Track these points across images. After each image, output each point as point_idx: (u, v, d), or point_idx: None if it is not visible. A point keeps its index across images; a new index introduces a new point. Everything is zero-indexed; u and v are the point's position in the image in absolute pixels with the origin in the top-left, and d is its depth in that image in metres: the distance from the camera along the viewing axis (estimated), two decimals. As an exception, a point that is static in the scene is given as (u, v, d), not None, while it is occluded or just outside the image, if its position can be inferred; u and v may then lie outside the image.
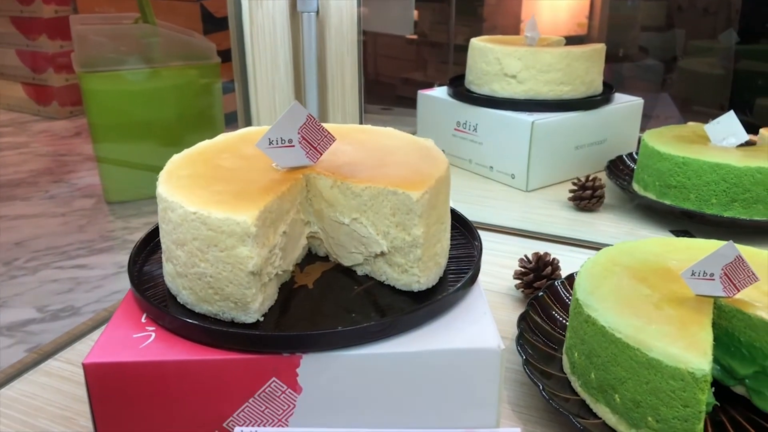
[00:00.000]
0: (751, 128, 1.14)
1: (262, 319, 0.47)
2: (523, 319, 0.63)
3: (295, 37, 0.92)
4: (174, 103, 1.16)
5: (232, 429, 0.46)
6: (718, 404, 0.55)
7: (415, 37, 2.07)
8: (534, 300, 0.66)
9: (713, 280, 0.55)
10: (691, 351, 0.49)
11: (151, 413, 0.46)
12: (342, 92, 0.95)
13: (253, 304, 0.46)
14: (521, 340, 0.61)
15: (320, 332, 0.45)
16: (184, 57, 1.19)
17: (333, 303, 0.50)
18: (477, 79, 1.16)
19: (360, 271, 0.54)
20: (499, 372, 0.47)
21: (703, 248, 0.62)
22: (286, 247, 0.50)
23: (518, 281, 0.75)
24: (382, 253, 0.51)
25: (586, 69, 1.11)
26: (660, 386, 0.49)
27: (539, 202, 1.05)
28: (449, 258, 0.56)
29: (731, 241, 0.54)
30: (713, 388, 0.56)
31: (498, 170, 1.12)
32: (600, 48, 1.14)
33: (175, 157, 0.55)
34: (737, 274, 0.55)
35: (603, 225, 0.97)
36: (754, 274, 0.55)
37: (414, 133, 1.30)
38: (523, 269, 0.74)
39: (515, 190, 1.10)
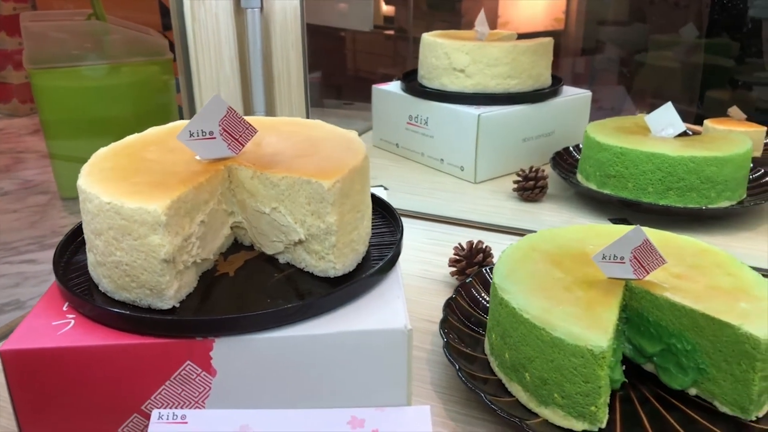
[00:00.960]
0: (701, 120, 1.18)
1: (178, 305, 0.49)
2: (448, 305, 0.66)
3: (240, 33, 0.93)
4: (126, 99, 1.16)
5: (151, 411, 0.48)
6: (627, 381, 0.57)
7: (392, 32, 2.08)
8: (461, 286, 0.69)
9: (624, 263, 0.58)
10: (592, 330, 0.51)
11: (70, 398, 0.47)
12: (288, 86, 0.97)
13: (168, 291, 0.48)
14: (445, 324, 0.63)
15: (231, 317, 0.47)
16: (136, 53, 1.20)
17: (252, 289, 0.52)
18: (428, 74, 1.18)
19: (282, 259, 0.56)
20: (406, 352, 0.49)
21: (622, 234, 0.64)
22: (205, 236, 0.52)
23: (453, 268, 0.77)
24: (300, 241, 0.53)
25: (532, 63, 1.13)
26: (563, 364, 0.51)
27: (486, 193, 1.08)
28: (373, 245, 0.58)
29: (639, 226, 0.57)
30: (624, 366, 0.59)
31: (448, 163, 1.15)
32: (547, 42, 1.16)
33: (101, 151, 0.56)
34: (646, 257, 0.58)
35: (545, 215, 0.99)
36: (661, 257, 0.57)
37: (369, 128, 1.33)
38: (456, 257, 0.77)
39: (464, 182, 1.12)
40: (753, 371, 0.51)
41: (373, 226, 0.62)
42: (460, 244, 0.78)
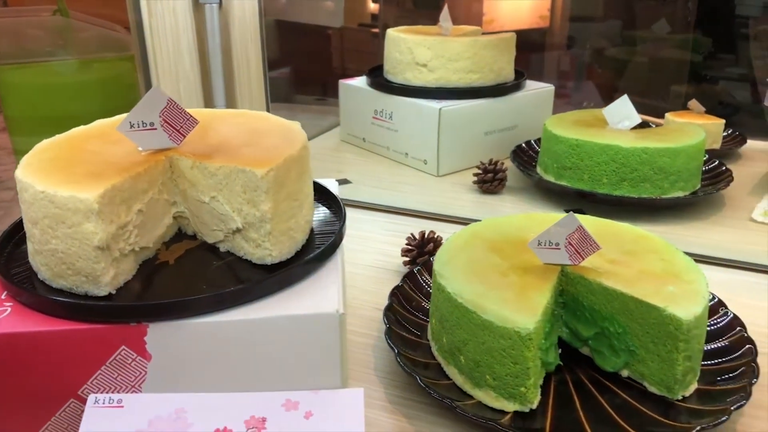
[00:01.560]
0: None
1: (114, 292, 0.50)
2: (394, 293, 0.67)
3: (199, 28, 0.94)
4: (92, 95, 1.17)
5: (87, 396, 0.49)
6: (562, 364, 0.59)
7: (377, 30, 2.09)
8: (408, 274, 0.70)
9: (559, 249, 0.60)
10: (520, 313, 0.53)
11: (6, 384, 0.48)
12: (248, 80, 0.98)
13: (104, 278, 0.49)
14: (390, 311, 0.64)
15: (163, 302, 0.48)
16: (101, 49, 1.20)
17: (190, 277, 0.53)
18: (392, 69, 1.19)
19: (222, 248, 0.57)
20: (339, 336, 0.50)
21: (560, 221, 0.66)
22: (144, 225, 0.53)
23: (405, 258, 0.78)
24: (238, 230, 0.54)
25: (494, 57, 1.15)
26: (493, 346, 0.53)
27: (448, 186, 1.09)
28: (318, 234, 0.60)
29: (572, 212, 0.59)
30: (560, 350, 0.60)
31: (412, 156, 1.16)
32: (509, 37, 1.18)
33: (43, 142, 0.57)
34: (581, 243, 0.59)
35: (503, 206, 1.01)
36: (596, 243, 0.59)
37: (337, 123, 1.34)
38: (408, 247, 0.78)
39: (427, 175, 1.13)
40: (677, 351, 0.53)
41: (320, 216, 0.63)
42: (412, 234, 0.79)
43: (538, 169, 1.06)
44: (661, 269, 0.59)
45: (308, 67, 1.86)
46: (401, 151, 1.18)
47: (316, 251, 0.55)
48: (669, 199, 0.94)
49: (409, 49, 1.15)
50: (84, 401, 0.49)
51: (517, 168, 1.06)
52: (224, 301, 0.49)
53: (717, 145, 1.21)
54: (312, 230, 0.60)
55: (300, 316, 0.50)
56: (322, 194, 0.68)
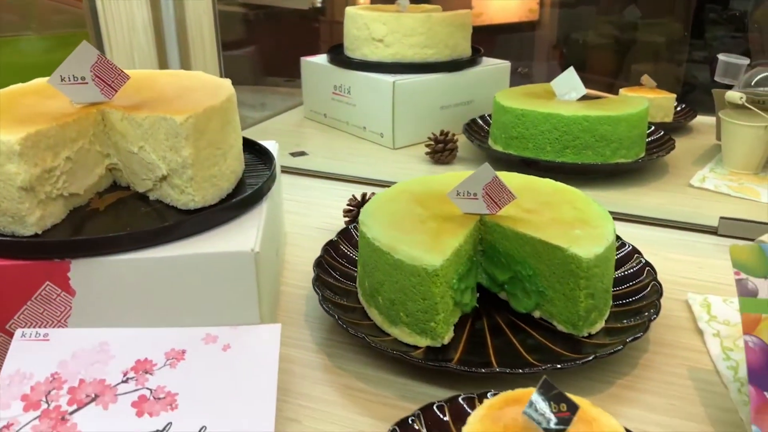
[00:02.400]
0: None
1: (40, 233, 0.53)
2: (326, 247, 0.70)
3: (155, 2, 0.96)
4: (47, 72, 1.18)
5: (14, 331, 0.52)
6: (478, 306, 0.62)
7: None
8: (342, 231, 0.73)
9: (477, 199, 0.62)
10: (430, 252, 0.56)
11: (-63, 317, 0.51)
12: (203, 53, 1.00)
13: (30, 218, 0.52)
14: (321, 262, 0.67)
15: (84, 238, 0.51)
16: (56, 25, 1.20)
17: (116, 221, 0.56)
18: (351, 45, 1.22)
19: (152, 197, 0.60)
20: (255, 273, 0.53)
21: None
22: (74, 173, 0.56)
23: (346, 219, 0.81)
24: (164, 177, 0.57)
25: (449, 33, 1.18)
26: (405, 284, 0.56)
27: (402, 157, 1.12)
28: (249, 186, 0.62)
29: (487, 164, 0.61)
30: (478, 294, 0.63)
31: (370, 130, 1.19)
32: (463, 14, 1.21)
33: (-21, 96, 0.59)
34: (497, 193, 0.62)
35: (452, 175, 1.04)
36: (511, 193, 0.62)
37: (301, 102, 1.37)
38: (349, 207, 0.81)
39: (384, 148, 1.16)
40: (579, 289, 0.56)
41: (254, 171, 0.66)
42: (353, 195, 0.82)
43: (490, 141, 1.09)
44: (572, 217, 0.62)
45: (278, 49, 1.88)
46: (359, 125, 1.21)
47: (238, 197, 0.58)
48: (608, 164, 0.98)
49: (365, 25, 1.17)
50: (11, 335, 0.52)
51: (467, 139, 1.09)
52: (144, 239, 0.52)
53: (669, 119, 1.24)
54: (243, 182, 0.63)
55: (216, 253, 0.52)
56: (262, 155, 0.71)
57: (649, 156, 1.02)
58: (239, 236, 0.54)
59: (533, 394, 0.40)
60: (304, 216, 0.89)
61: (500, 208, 0.62)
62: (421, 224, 0.61)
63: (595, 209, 0.64)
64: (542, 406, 0.39)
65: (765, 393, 0.46)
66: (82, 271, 0.51)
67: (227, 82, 0.64)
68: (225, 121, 0.59)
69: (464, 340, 0.58)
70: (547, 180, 0.71)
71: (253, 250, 0.53)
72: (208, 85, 0.63)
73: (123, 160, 0.60)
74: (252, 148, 0.72)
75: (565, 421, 0.39)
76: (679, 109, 1.30)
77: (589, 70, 1.78)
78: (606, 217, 0.62)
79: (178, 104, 0.57)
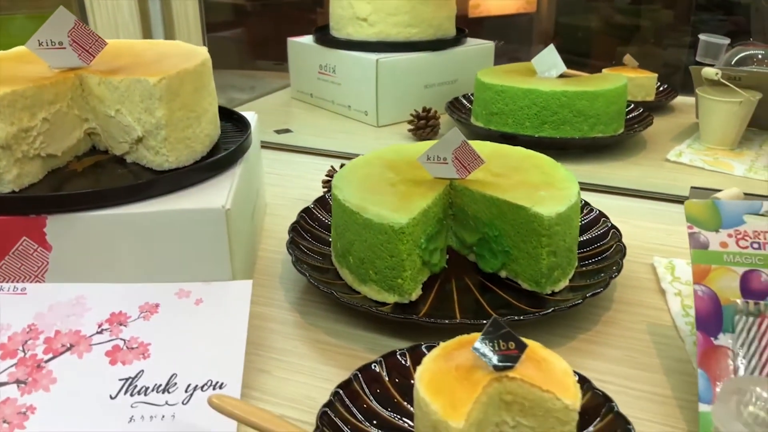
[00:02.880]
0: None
1: (17, 190, 0.54)
2: (302, 213, 0.71)
3: (139, -20, 0.98)
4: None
5: (-6, 284, 0.54)
6: (447, 267, 0.64)
7: None
8: (319, 198, 0.75)
9: (447, 164, 0.64)
10: (397, 212, 0.57)
11: None
12: (187, 30, 1.02)
13: (6, 176, 0.53)
14: (296, 227, 0.69)
15: (58, 194, 0.52)
16: (44, 5, 1.21)
17: (93, 181, 0.57)
18: (336, 24, 1.23)
19: (129, 159, 0.61)
20: (226, 230, 0.55)
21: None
22: (52, 134, 0.57)
23: (324, 188, 0.83)
24: (140, 138, 0.59)
25: (432, 12, 1.19)
26: (374, 242, 0.58)
27: (385, 134, 1.14)
28: (224, 150, 0.64)
29: (456, 128, 0.63)
30: (448, 255, 0.65)
31: (355, 108, 1.20)
32: (448, -7, 1.22)
33: (-40, 62, 0.61)
34: (466, 158, 0.64)
35: (434, 150, 1.05)
36: (480, 157, 0.64)
37: (288, 84, 1.38)
38: (327, 177, 0.83)
39: (368, 126, 1.18)
40: (541, 246, 0.58)
41: (231, 138, 0.68)
42: (332, 166, 0.84)
43: (472, 119, 1.11)
44: (539, 180, 0.64)
45: (268, 32, 1.89)
46: (344, 103, 1.22)
47: (211, 159, 0.60)
48: (586, 139, 0.99)
49: (350, 4, 1.19)
50: (-9, 289, 0.54)
51: (449, 116, 1.11)
52: (118, 196, 0.54)
53: (651, 98, 1.26)
54: (218, 146, 0.65)
55: (189, 210, 0.54)
56: (241, 125, 0.72)
57: (627, 131, 1.04)
58: (211, 195, 0.56)
59: (482, 333, 0.41)
60: (285, 188, 0.90)
61: (469, 173, 0.64)
62: (392, 187, 0.63)
63: (562, 173, 0.66)
64: (491, 344, 0.41)
65: (711, 338, 0.47)
66: (58, 226, 0.53)
67: (203, 49, 0.66)
68: (199, 85, 0.60)
69: (432, 298, 0.60)
70: (519, 147, 0.72)
71: (224, 207, 0.54)
72: (184, 52, 0.65)
73: (101, 124, 0.62)
74: (231, 118, 0.73)
75: (512, 358, 0.41)
76: (662, 89, 1.31)
77: (576, 53, 1.79)
78: (571, 180, 0.64)
79: (154, 68, 0.58)
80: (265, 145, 1.06)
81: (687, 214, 0.52)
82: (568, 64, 1.07)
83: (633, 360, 0.55)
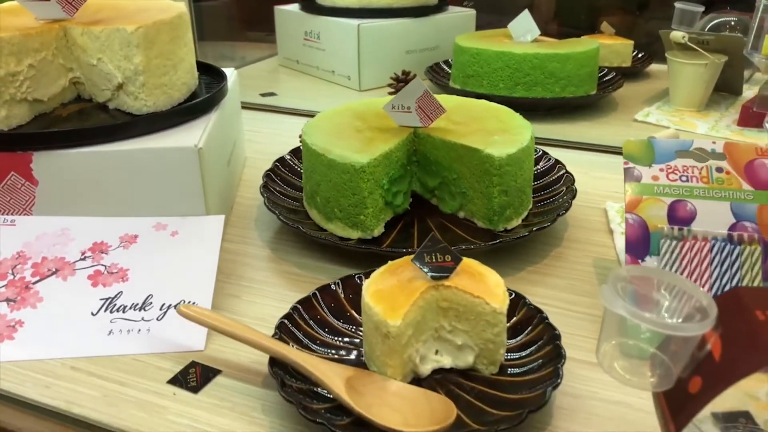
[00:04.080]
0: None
1: (5, 129, 0.59)
2: (276, 162, 0.76)
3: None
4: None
5: (-15, 217, 0.58)
6: (410, 208, 0.68)
7: None
8: (293, 150, 0.79)
9: (410, 112, 0.68)
10: (359, 153, 0.62)
11: None
12: None
13: (-4, 116, 0.58)
14: (270, 174, 0.73)
15: (43, 131, 0.57)
16: None
17: (76, 123, 0.62)
18: (321, -8, 1.27)
19: (111, 106, 0.66)
20: (199, 167, 0.59)
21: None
22: (38, 80, 0.62)
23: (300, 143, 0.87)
24: (120, 85, 0.63)
25: (414, -21, 1.22)
26: (338, 181, 0.62)
27: (368, 97, 1.17)
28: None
29: (418, 77, 0.67)
30: (411, 199, 0.69)
31: (338, 74, 1.24)
32: (428, -40, 1.25)
33: (-47, 14, 0.65)
34: (428, 106, 0.68)
35: (412, 111, 1.09)
36: (441, 106, 0.68)
37: (276, 53, 1.41)
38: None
39: (351, 90, 1.22)
40: (492, 185, 0.62)
41: (210, 90, 0.72)
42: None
43: (450, 83, 1.14)
44: (496, 127, 0.68)
45: (258, 3, 1.91)
46: (328, 69, 1.26)
47: (187, 104, 0.64)
48: (556, 99, 1.03)
49: (333, -28, 1.22)
50: (-17, 221, 0.58)
51: (429, 80, 1.14)
52: (99, 135, 0.58)
53: (627, 64, 1.29)
54: (195, 95, 0.69)
55: (164, 148, 0.59)
56: (220, 79, 0.76)
57: (597, 93, 1.08)
58: (186, 135, 0.60)
59: (421, 247, 0.46)
60: (266, 145, 0.95)
61: (432, 121, 0.68)
62: (358, 133, 0.67)
63: (518, 122, 0.70)
64: (429, 256, 0.46)
65: (639, 260, 0.52)
66: (44, 162, 0.57)
67: (181, 4, 0.70)
68: (175, 36, 0.64)
69: (393, 235, 0.65)
70: (482, 101, 0.76)
71: (196, 146, 0.59)
72: (162, 7, 0.69)
73: (85, 73, 0.66)
74: (211, 73, 0.77)
75: (447, 269, 0.46)
76: (639, 56, 1.35)
77: (559, 23, 1.82)
78: (526, 128, 0.68)
79: (132, 19, 0.63)
80: (251, 107, 1.10)
81: (624, 152, 0.57)
82: (549, 33, 1.11)
83: (575, 287, 0.59)
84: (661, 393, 0.35)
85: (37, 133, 0.57)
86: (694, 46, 1.04)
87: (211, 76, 0.77)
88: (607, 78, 1.15)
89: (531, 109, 1.04)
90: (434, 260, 0.46)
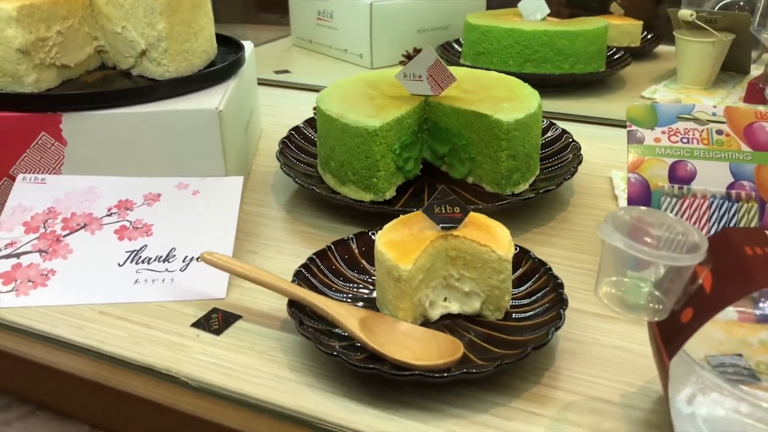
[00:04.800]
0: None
1: (36, 91, 0.62)
2: (292, 130, 0.78)
3: None
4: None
5: (17, 175, 0.61)
6: (420, 174, 0.71)
7: None
8: (307, 119, 0.81)
9: (422, 81, 0.71)
10: (372, 118, 0.64)
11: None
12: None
13: (27, 79, 0.61)
14: (286, 141, 0.76)
15: (72, 93, 0.60)
16: None
17: (101, 86, 0.65)
18: (334, -28, 1.29)
19: (134, 72, 0.68)
20: (219, 130, 0.62)
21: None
22: (65, 46, 0.65)
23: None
24: (144, 52, 0.65)
25: (425, -41, 1.24)
26: (351, 145, 0.64)
27: (379, 75, 1.20)
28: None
29: (430, 47, 0.69)
30: (422, 166, 0.72)
31: (350, 52, 1.26)
32: (440, -59, 1.27)
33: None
34: (439, 75, 0.70)
35: (423, 88, 1.11)
36: (452, 75, 0.70)
37: (289, 33, 1.44)
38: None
39: (363, 68, 1.24)
40: (500, 150, 0.64)
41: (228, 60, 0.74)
42: (323, 95, 0.90)
43: (461, 60, 1.16)
44: (504, 95, 0.70)
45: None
46: (341, 48, 1.28)
47: (207, 70, 0.67)
48: (565, 75, 1.05)
49: (347, -49, 1.24)
50: (14, 179, 0.61)
51: (443, 57, 1.16)
52: (125, 96, 0.61)
53: (636, 44, 1.30)
54: (215, 63, 0.72)
55: (187, 110, 0.61)
56: (238, 50, 0.79)
57: (606, 71, 1.09)
58: (207, 99, 0.63)
59: (431, 198, 0.49)
60: (281, 117, 0.97)
61: (442, 89, 0.70)
62: (370, 100, 0.69)
63: (526, 91, 0.72)
64: (438, 208, 0.48)
65: (639, 217, 0.54)
66: (72, 123, 0.60)
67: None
68: (196, 4, 0.67)
69: (404, 199, 0.67)
70: (491, 72, 0.79)
71: (217, 108, 0.61)
72: (185, -22, 0.71)
73: (109, 42, 0.69)
74: (229, 44, 0.80)
75: (456, 220, 0.48)
76: (649, 36, 1.36)
77: (573, 6, 1.83)
78: (534, 96, 0.70)
79: (155, -12, 0.65)
80: (266, 83, 1.13)
81: (628, 116, 0.59)
82: (561, 15, 1.12)
83: (579, 247, 0.61)
84: (656, 325, 0.37)
85: (67, 94, 0.60)
86: (702, 24, 1.06)
87: (228, 47, 0.80)
88: (616, 57, 1.16)
89: (540, 85, 1.05)
90: (444, 211, 0.48)
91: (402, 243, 0.47)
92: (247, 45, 0.81)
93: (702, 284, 0.35)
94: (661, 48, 1.33)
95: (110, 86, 0.65)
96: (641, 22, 1.31)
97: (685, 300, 0.36)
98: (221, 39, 0.80)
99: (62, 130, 0.60)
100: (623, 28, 1.29)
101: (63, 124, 0.60)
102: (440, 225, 0.48)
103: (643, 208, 0.38)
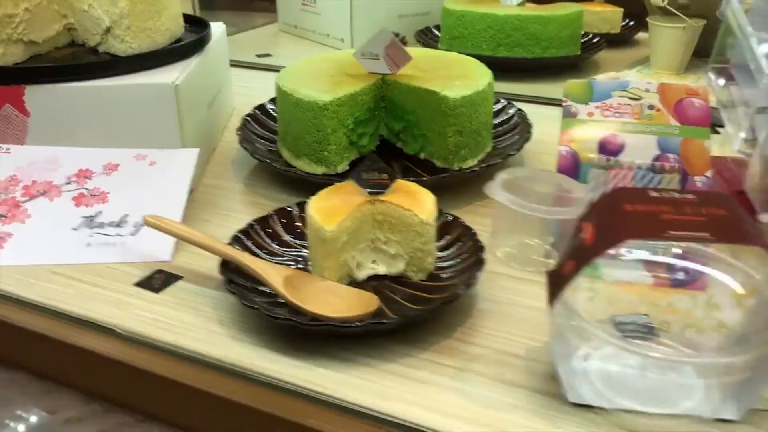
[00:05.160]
0: None
1: (2, 65, 0.65)
2: (256, 108, 0.81)
3: None
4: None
5: (-16, 145, 0.64)
6: (375, 150, 0.73)
7: None
8: (272, 99, 0.84)
9: (379, 59, 0.73)
10: (324, 93, 0.67)
11: None
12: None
13: (-7, 53, 0.64)
14: (248, 118, 0.78)
15: (34, 66, 0.63)
16: None
17: (65, 61, 0.68)
18: (318, -42, 1.31)
19: (101, 49, 0.71)
20: (175, 103, 0.65)
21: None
22: (32, 23, 0.67)
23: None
24: (108, 29, 0.68)
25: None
26: (303, 119, 0.67)
27: (359, 59, 1.22)
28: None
29: (386, 27, 0.72)
30: (379, 142, 0.74)
31: (333, 37, 1.29)
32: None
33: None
34: (396, 55, 0.72)
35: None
36: (408, 54, 0.72)
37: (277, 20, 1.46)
38: (288, 85, 0.92)
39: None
40: (447, 125, 0.67)
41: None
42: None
43: (438, 45, 1.18)
44: (459, 74, 0.72)
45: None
46: (324, 32, 1.30)
47: (170, 46, 0.69)
48: (536, 59, 1.07)
49: (329, -62, 1.26)
50: (-19, 148, 0.65)
51: (419, 42, 1.19)
52: (85, 71, 0.64)
53: (616, 31, 1.32)
54: (180, 41, 0.74)
55: (144, 84, 0.64)
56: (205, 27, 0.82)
57: (577, 56, 1.11)
58: (166, 74, 0.66)
59: (360, 165, 0.51)
60: (255, 98, 0.99)
61: (399, 68, 0.73)
62: (328, 78, 0.72)
63: (481, 71, 0.74)
64: (367, 174, 0.51)
65: (568, 188, 0.57)
66: (35, 95, 0.63)
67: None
68: (160, -14, 0.70)
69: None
70: (454, 53, 0.81)
71: (173, 83, 0.64)
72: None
73: (78, 19, 0.71)
74: (199, 25, 0.83)
75: (383, 186, 0.51)
76: (631, 24, 1.37)
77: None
78: (486, 75, 0.72)
79: (119, -32, 0.68)
80: (246, 65, 1.15)
81: (565, 92, 0.61)
82: (543, 1, 1.14)
83: (519, 220, 0.64)
84: (547, 276, 0.40)
85: (28, 67, 0.63)
86: (674, 10, 1.07)
87: (199, 27, 0.82)
88: (591, 43, 1.18)
89: (513, 69, 1.09)
90: (372, 178, 0.51)
91: (331, 207, 0.50)
92: (217, 26, 0.84)
93: (585, 238, 0.38)
94: (641, 35, 1.34)
95: (75, 62, 0.68)
96: (621, 9, 1.32)
97: (570, 253, 0.38)
98: (192, 20, 0.82)
99: (25, 102, 0.63)
100: (603, 15, 1.30)
101: (26, 96, 0.63)
102: (368, 190, 0.50)
103: (528, 167, 0.40)
